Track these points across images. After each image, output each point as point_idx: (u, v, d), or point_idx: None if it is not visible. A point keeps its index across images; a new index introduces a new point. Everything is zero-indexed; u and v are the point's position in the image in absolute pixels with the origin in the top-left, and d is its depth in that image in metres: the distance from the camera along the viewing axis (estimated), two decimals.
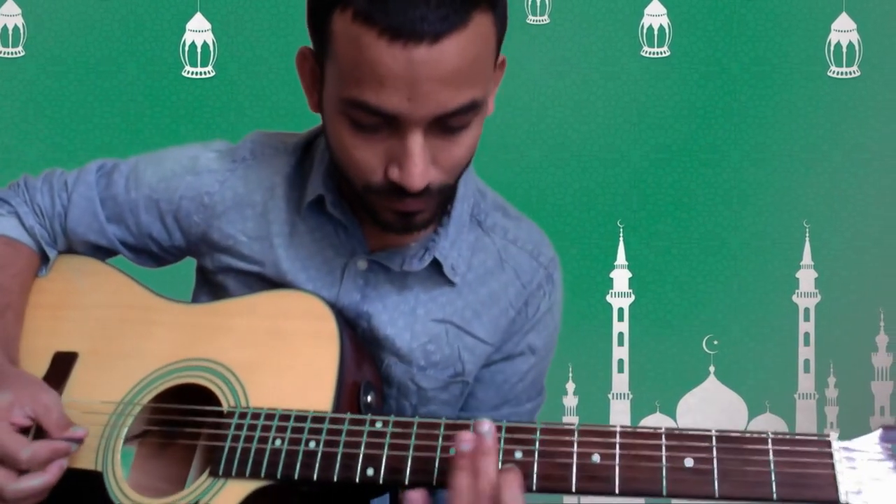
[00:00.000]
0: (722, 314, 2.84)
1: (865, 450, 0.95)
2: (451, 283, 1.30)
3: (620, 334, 2.85)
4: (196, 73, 2.80)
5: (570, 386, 2.82)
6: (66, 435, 1.16)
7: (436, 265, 1.29)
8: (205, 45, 2.79)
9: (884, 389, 2.80)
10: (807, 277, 2.83)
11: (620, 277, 2.84)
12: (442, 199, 1.18)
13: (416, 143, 1.08)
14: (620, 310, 2.84)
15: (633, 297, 2.84)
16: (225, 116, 2.80)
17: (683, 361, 2.84)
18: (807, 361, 2.83)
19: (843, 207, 2.83)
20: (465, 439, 1.00)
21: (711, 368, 2.83)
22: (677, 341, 2.84)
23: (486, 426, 1.01)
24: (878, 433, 0.95)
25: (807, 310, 2.83)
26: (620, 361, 2.84)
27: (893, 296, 2.82)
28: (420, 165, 1.09)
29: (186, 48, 2.79)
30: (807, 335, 2.83)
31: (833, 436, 0.97)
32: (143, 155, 1.42)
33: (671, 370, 2.84)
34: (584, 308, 2.83)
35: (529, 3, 2.79)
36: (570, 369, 2.82)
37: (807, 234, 2.82)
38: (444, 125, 1.09)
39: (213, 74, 2.80)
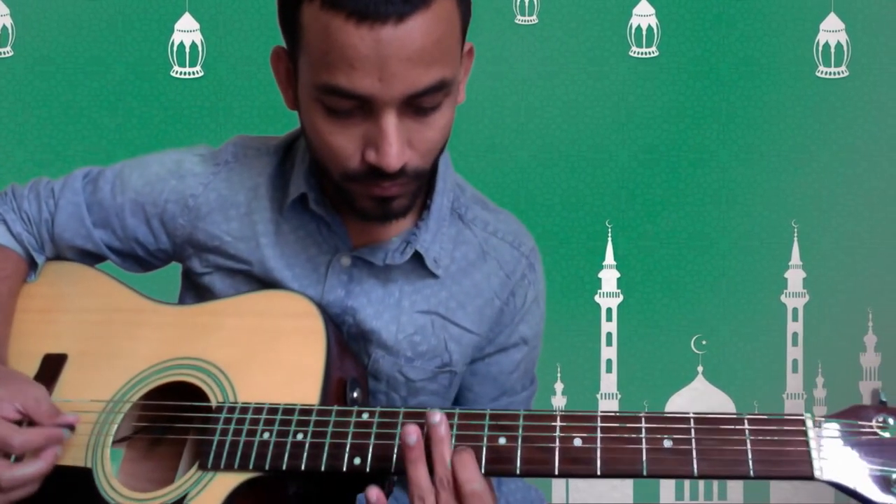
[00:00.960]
0: (710, 314, 2.85)
1: (839, 428, 0.97)
2: (434, 275, 1.33)
3: (609, 334, 2.86)
4: (184, 74, 2.81)
5: (559, 386, 2.83)
6: (57, 421, 1.17)
7: (418, 258, 1.31)
8: (193, 45, 2.81)
9: (871, 389, 2.80)
10: (795, 277, 2.84)
11: (609, 277, 2.85)
12: (418, 184, 1.21)
13: (391, 123, 1.11)
14: (609, 310, 2.85)
15: (621, 297, 2.85)
16: (213, 116, 2.82)
17: (672, 361, 2.85)
18: (795, 361, 2.85)
19: (831, 207, 2.84)
20: (411, 432, 1.05)
21: (700, 368, 2.85)
22: (665, 341, 2.86)
23: (437, 417, 1.05)
24: (850, 411, 0.98)
25: (795, 310, 2.85)
26: (609, 361, 2.85)
27: (882, 296, 2.84)
28: (395, 145, 1.11)
29: (175, 48, 2.80)
30: (795, 335, 2.85)
31: (807, 415, 0.99)
32: (128, 161, 1.44)
33: (659, 370, 2.86)
34: (573, 308, 2.84)
35: (518, 3, 2.80)
36: (559, 369, 2.83)
37: (795, 234, 2.84)
38: (417, 106, 1.12)
39: (201, 74, 2.81)
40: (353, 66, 1.08)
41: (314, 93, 1.13)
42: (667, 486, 2.86)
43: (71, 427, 1.18)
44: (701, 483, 2.86)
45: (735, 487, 2.86)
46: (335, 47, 1.08)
